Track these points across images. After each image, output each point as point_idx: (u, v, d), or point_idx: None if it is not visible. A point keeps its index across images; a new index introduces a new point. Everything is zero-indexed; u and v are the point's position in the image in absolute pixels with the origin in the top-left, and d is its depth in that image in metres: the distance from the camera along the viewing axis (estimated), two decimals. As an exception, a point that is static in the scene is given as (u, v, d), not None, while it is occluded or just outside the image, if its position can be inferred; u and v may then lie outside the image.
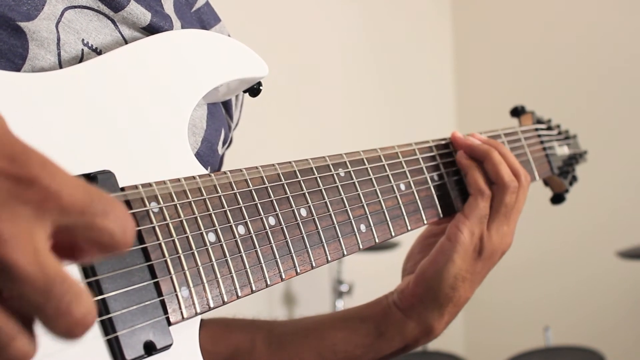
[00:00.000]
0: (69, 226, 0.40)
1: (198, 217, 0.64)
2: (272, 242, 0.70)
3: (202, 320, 0.66)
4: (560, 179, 1.20)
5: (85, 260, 0.43)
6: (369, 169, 0.84)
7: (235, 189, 0.68)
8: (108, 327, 0.55)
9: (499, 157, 0.93)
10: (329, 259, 0.75)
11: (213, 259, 0.64)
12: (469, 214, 0.91)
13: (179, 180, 0.64)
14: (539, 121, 1.23)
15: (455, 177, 0.96)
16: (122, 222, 0.41)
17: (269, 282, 0.69)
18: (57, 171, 0.40)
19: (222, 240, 0.65)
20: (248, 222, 0.68)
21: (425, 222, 0.90)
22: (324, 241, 0.75)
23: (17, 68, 0.63)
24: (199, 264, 0.63)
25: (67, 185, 0.40)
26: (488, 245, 0.91)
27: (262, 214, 0.70)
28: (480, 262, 0.91)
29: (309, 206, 0.75)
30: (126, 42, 0.72)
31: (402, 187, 0.88)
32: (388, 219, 0.84)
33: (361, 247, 0.80)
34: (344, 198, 0.80)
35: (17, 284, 0.38)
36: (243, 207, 0.68)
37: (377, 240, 0.82)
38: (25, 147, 0.40)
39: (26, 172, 0.39)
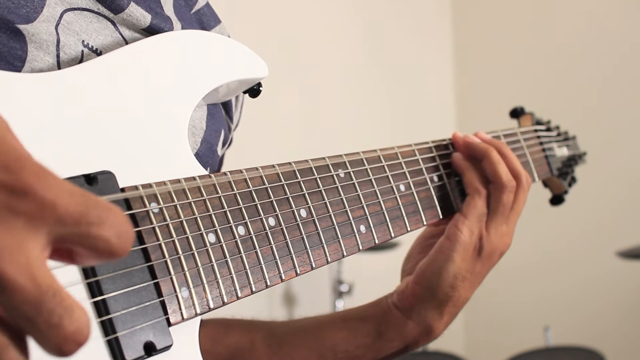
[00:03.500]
0: (65, 236, 0.40)
1: (198, 218, 0.64)
2: (272, 242, 0.70)
3: (201, 320, 0.66)
4: (560, 180, 1.20)
5: (83, 264, 0.42)
6: (368, 169, 0.84)
7: (235, 189, 0.68)
8: (108, 328, 0.55)
9: (497, 157, 0.93)
10: (329, 259, 0.75)
11: (213, 260, 0.64)
12: (467, 213, 0.92)
13: (179, 180, 0.64)
14: (539, 122, 1.23)
15: (455, 178, 0.96)
16: (118, 228, 0.40)
17: (268, 283, 0.69)
18: (52, 179, 0.39)
19: (222, 240, 0.65)
20: (248, 222, 0.68)
21: (425, 223, 0.90)
22: (323, 242, 0.75)
23: (17, 71, 0.63)
24: (199, 264, 0.63)
25: (63, 194, 0.39)
26: (487, 244, 0.91)
27: (262, 214, 0.70)
28: (479, 262, 0.91)
29: (309, 207, 0.75)
30: (127, 43, 0.72)
31: (402, 187, 0.88)
32: (388, 220, 0.84)
33: (361, 247, 0.80)
34: (344, 199, 0.80)
35: (8, 296, 0.37)
36: (243, 208, 0.68)
37: (376, 241, 0.82)
38: (19, 154, 0.39)
39: (20, 182, 0.38)
